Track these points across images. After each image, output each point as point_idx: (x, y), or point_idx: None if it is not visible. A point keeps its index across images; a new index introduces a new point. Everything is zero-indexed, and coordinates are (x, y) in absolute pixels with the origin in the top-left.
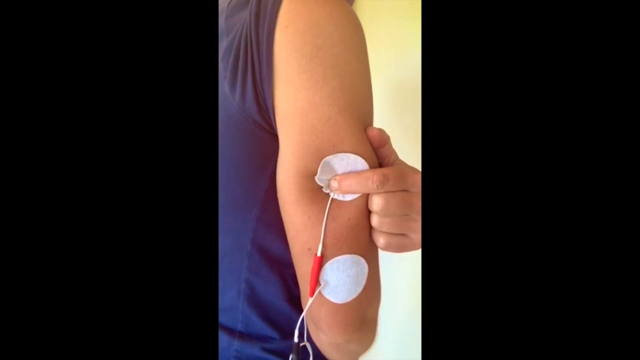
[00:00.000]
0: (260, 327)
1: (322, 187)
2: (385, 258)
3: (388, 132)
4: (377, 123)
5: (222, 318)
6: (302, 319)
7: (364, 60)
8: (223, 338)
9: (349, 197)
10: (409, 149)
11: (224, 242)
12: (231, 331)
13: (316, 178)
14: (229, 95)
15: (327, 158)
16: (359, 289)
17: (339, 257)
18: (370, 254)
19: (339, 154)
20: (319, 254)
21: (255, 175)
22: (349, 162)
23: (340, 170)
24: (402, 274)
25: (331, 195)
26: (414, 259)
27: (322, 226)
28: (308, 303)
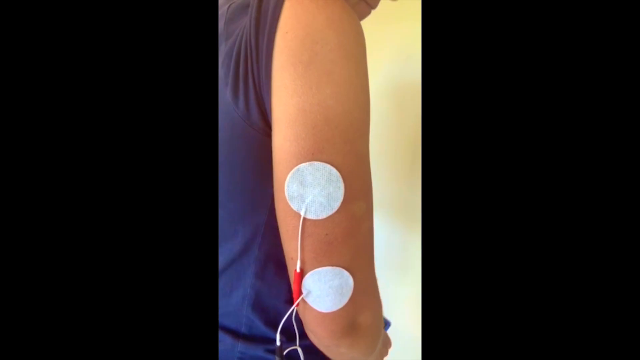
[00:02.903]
0: (264, 330)
1: (290, 201)
2: (387, 269)
3: (387, 132)
4: (377, 123)
5: (226, 321)
6: (283, 322)
7: (361, 66)
8: (227, 340)
9: (322, 216)
10: (408, 149)
11: (233, 249)
12: (235, 333)
13: (285, 190)
14: (232, 103)
15: (301, 166)
16: (345, 300)
17: (320, 269)
18: (357, 265)
19: (315, 163)
20: (297, 270)
21: (262, 181)
22: (323, 174)
23: (310, 181)
24: (404, 284)
25: (302, 214)
26: (414, 260)
27: (297, 241)
28: (290, 309)
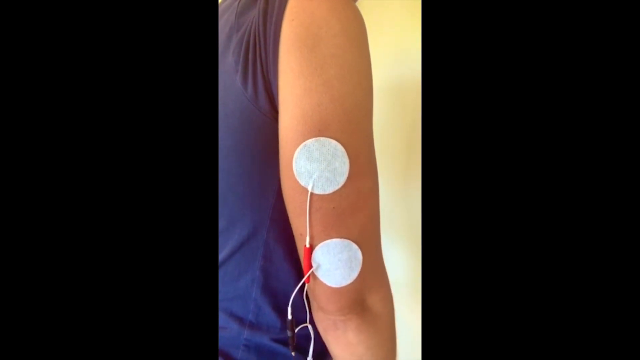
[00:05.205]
0: (271, 317)
1: (298, 177)
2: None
3: (387, 132)
4: (377, 123)
5: (234, 306)
6: (292, 298)
7: (364, 51)
8: (233, 327)
9: (329, 190)
10: (408, 148)
11: (242, 232)
12: (242, 321)
13: (293, 166)
14: (242, 88)
15: (308, 142)
16: (354, 274)
17: (329, 241)
18: (365, 241)
19: (321, 139)
20: (307, 245)
21: (270, 164)
22: (329, 150)
23: (317, 156)
24: (404, 284)
25: (309, 189)
26: (414, 259)
27: (306, 217)
28: (301, 282)
